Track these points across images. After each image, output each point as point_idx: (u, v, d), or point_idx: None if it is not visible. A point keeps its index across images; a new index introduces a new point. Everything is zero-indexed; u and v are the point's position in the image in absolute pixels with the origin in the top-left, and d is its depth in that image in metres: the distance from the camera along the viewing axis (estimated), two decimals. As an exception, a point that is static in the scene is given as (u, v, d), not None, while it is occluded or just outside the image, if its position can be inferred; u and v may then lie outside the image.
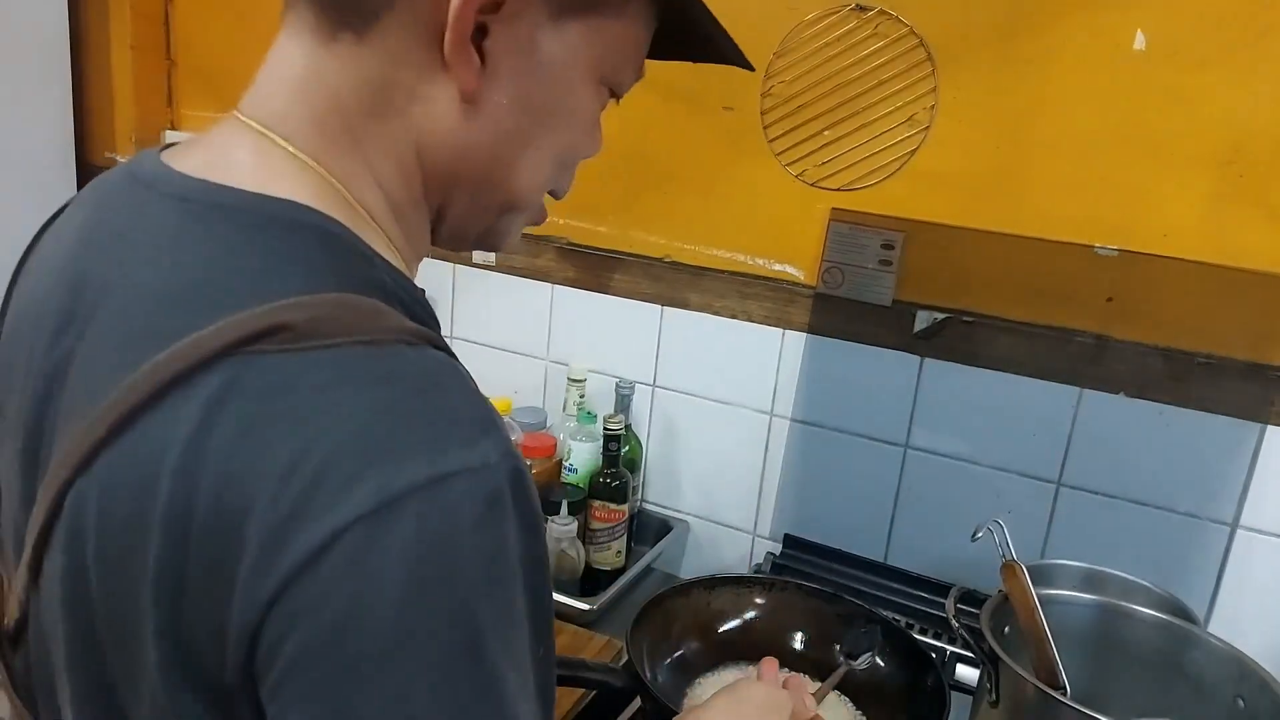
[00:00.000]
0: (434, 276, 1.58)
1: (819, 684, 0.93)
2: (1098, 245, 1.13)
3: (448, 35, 0.43)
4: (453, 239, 0.53)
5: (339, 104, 0.45)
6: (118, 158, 1.75)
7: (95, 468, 0.39)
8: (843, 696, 0.97)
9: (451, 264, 1.56)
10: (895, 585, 1.24)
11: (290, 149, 0.45)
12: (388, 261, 0.46)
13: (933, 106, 1.19)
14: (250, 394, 0.37)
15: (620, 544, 1.31)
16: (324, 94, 0.45)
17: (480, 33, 0.44)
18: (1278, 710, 0.73)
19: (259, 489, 0.36)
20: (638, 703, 1.00)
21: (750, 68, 0.60)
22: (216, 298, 0.40)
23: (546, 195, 0.56)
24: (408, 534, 0.35)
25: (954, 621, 0.83)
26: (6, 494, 0.49)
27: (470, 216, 0.52)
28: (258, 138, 0.45)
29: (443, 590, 0.36)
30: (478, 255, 1.53)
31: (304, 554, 0.35)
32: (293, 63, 0.46)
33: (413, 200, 0.48)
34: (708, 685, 0.98)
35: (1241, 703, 0.78)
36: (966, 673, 1.10)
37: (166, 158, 0.47)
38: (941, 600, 1.00)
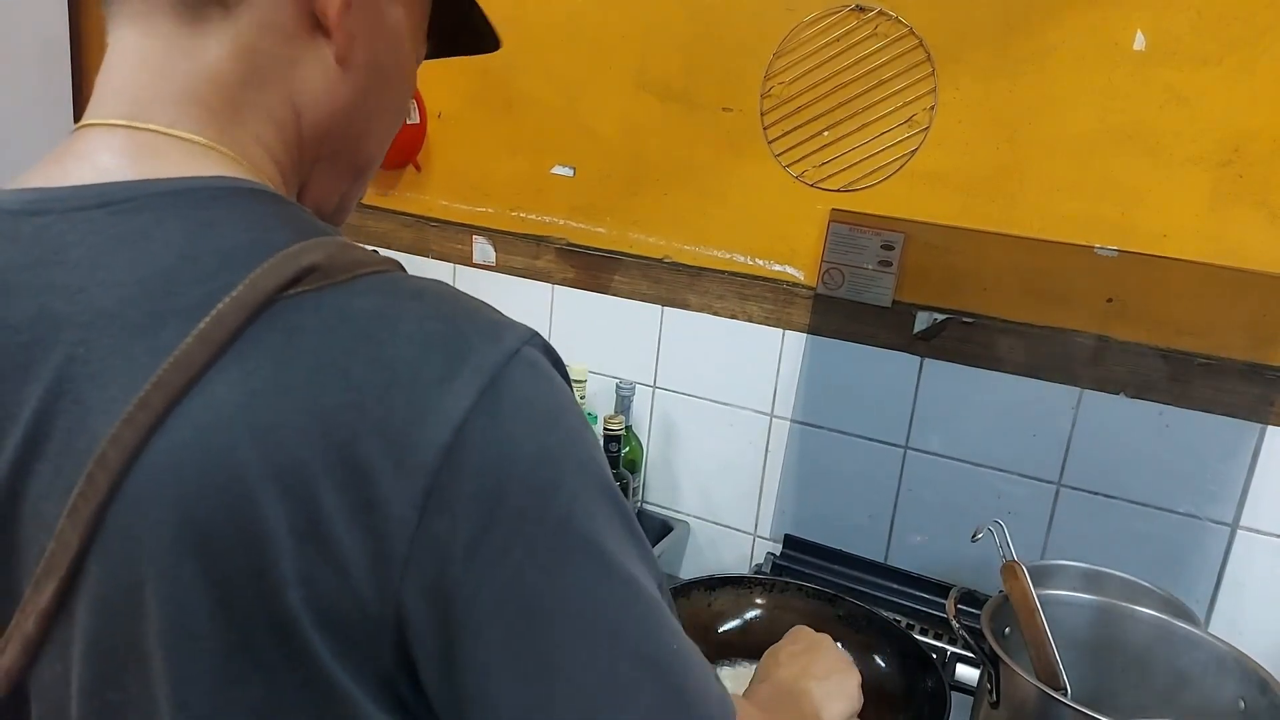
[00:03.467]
0: (434, 276, 1.58)
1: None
2: (1097, 245, 1.13)
3: (333, 4, 0.47)
4: (310, 208, 0.52)
5: (216, 79, 0.46)
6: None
7: (144, 462, 0.38)
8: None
9: (452, 264, 1.56)
10: (895, 586, 1.24)
11: (177, 134, 0.45)
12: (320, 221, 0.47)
13: (932, 107, 1.19)
14: (312, 330, 0.39)
15: (620, 545, 1.31)
16: (196, 73, 0.46)
17: (347, 2, 0.48)
18: (1278, 711, 0.73)
19: (361, 413, 0.37)
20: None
21: (497, 46, 0.68)
22: (218, 266, 0.40)
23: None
24: (516, 404, 0.39)
25: (954, 622, 0.83)
26: None
27: (329, 184, 0.54)
28: (132, 133, 0.45)
29: (566, 437, 0.41)
30: (477, 255, 1.53)
31: (437, 450, 0.37)
32: (147, 53, 0.46)
33: (293, 164, 0.50)
34: (708, 686, 0.98)
35: (1243, 703, 0.77)
36: (967, 673, 1.10)
37: (36, 182, 0.45)
38: (942, 600, 1.00)
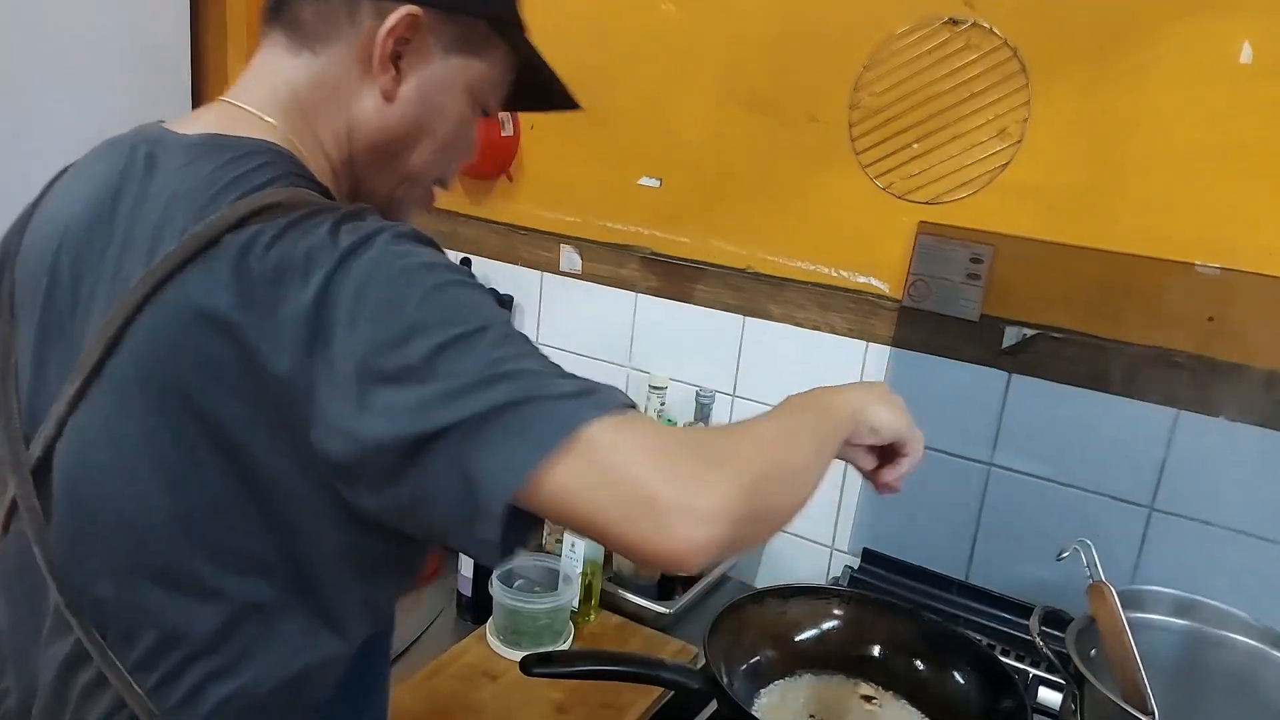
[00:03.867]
0: (523, 283, 1.63)
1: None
2: (1198, 263, 1.09)
3: (376, 55, 0.66)
4: (368, 201, 0.70)
5: (298, 95, 0.67)
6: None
7: (149, 309, 0.57)
8: (911, 705, 0.96)
9: (539, 271, 1.60)
10: (976, 605, 1.22)
11: (265, 118, 0.66)
12: (326, 187, 0.65)
13: (1025, 119, 1.17)
14: (266, 240, 0.56)
15: (696, 551, 1.32)
16: (288, 84, 0.67)
17: (397, 55, 0.67)
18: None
19: (292, 272, 0.54)
20: (713, 706, 1.01)
21: (577, 106, 0.82)
22: (221, 191, 0.59)
23: (437, 187, 0.76)
24: (381, 248, 0.56)
25: (1038, 640, 0.81)
26: (20, 350, 0.66)
27: (378, 185, 0.72)
28: (240, 111, 0.67)
29: (390, 286, 0.55)
30: (564, 263, 1.57)
31: (330, 267, 0.54)
32: (268, 68, 0.68)
33: (343, 162, 0.70)
34: (778, 691, 0.99)
35: (1344, 740, 0.74)
36: (1049, 696, 1.07)
37: (169, 125, 0.67)
38: (1024, 622, 0.98)
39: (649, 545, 0.50)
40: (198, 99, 1.81)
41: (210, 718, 0.60)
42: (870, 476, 0.79)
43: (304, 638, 0.62)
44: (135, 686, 0.60)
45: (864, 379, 1.32)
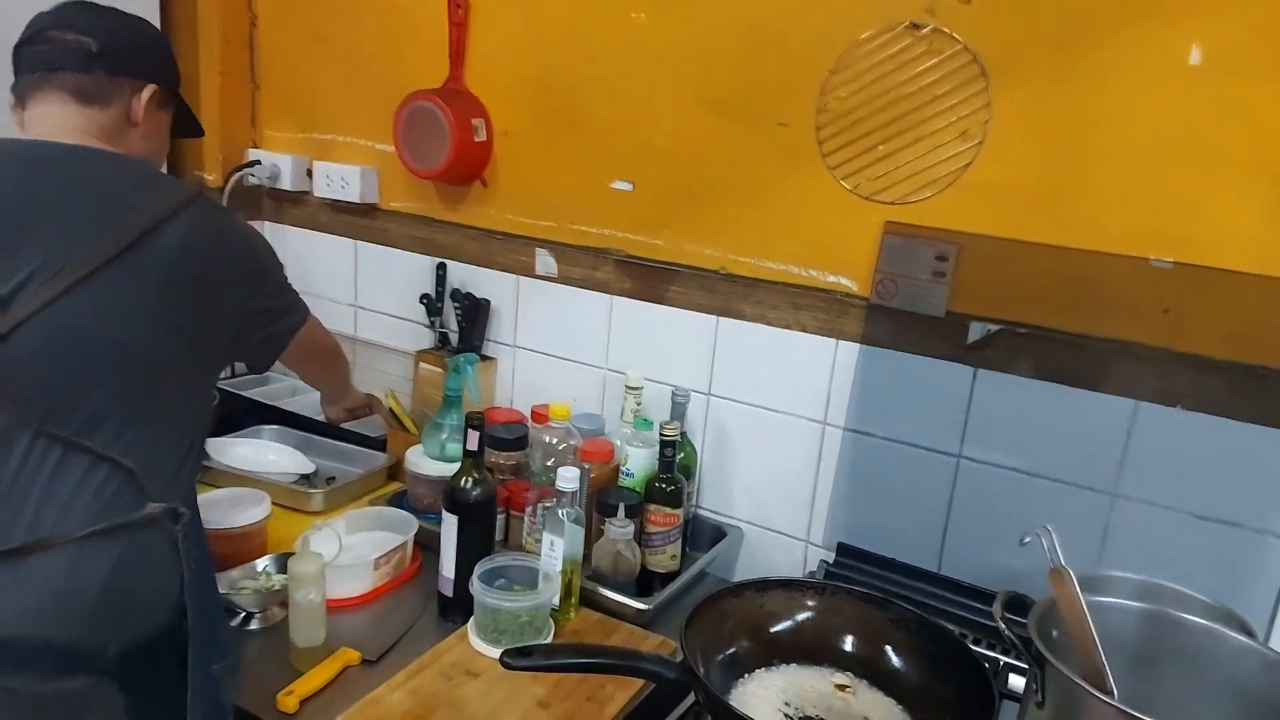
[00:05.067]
0: (499, 287, 1.64)
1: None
2: (1154, 258, 1.13)
3: (139, 112, 1.07)
4: None
5: (103, 132, 1.04)
6: (205, 176, 1.85)
7: (164, 233, 0.95)
8: (889, 698, 0.99)
9: (515, 275, 1.62)
10: (948, 595, 1.25)
11: (98, 144, 1.04)
12: None
13: (986, 121, 1.21)
14: (208, 211, 1.03)
15: (675, 548, 1.35)
16: (93, 127, 1.04)
17: (148, 110, 1.09)
18: (1329, 719, 0.73)
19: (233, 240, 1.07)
20: (690, 699, 1.03)
21: (201, 134, 1.28)
22: (163, 177, 1.11)
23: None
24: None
25: (1001, 624, 0.84)
26: None
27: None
28: (82, 136, 1.04)
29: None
30: (540, 266, 1.59)
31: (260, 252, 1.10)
32: (61, 116, 1.03)
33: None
34: (754, 681, 1.01)
35: (1294, 713, 0.77)
36: (1018, 683, 1.10)
37: (36, 139, 1.03)
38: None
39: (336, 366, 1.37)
40: (171, 108, 1.81)
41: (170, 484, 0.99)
42: None
43: (196, 443, 1.05)
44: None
45: (834, 375, 1.35)
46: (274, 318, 1.11)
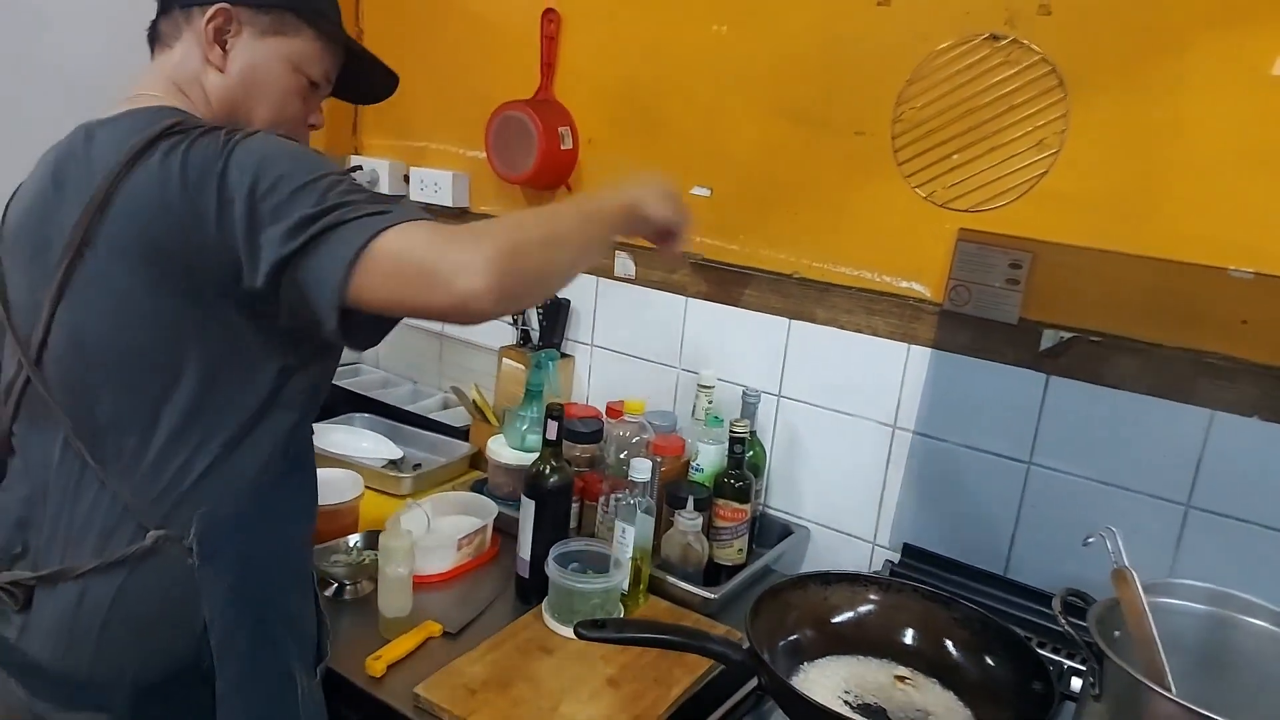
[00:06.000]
0: (578, 288, 1.71)
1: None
2: (1232, 268, 1.13)
3: (203, 41, 0.94)
4: None
5: (172, 77, 0.95)
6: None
7: (115, 196, 0.82)
8: (942, 685, 1.01)
9: (595, 277, 1.69)
10: (1013, 598, 1.26)
11: (158, 96, 0.94)
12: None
13: (1062, 131, 1.22)
14: (184, 144, 0.82)
15: (742, 542, 1.39)
16: (165, 75, 0.95)
17: (222, 40, 0.95)
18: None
19: (205, 163, 0.81)
20: (753, 683, 1.07)
21: (394, 78, 1.12)
22: (142, 129, 0.84)
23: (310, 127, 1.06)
24: (260, 135, 0.84)
25: (1061, 617, 0.86)
26: (13, 286, 0.92)
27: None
28: (144, 95, 0.94)
29: (283, 141, 0.85)
30: (618, 268, 1.65)
31: (228, 150, 0.81)
32: (152, 67, 0.97)
33: (213, 119, 0.95)
34: (818, 670, 1.05)
35: (1359, 720, 0.77)
36: (1080, 686, 1.11)
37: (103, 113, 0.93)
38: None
39: (439, 303, 0.74)
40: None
41: (180, 503, 0.86)
42: (658, 249, 1.04)
43: (241, 444, 0.88)
44: (124, 487, 0.86)
45: (905, 379, 1.37)
46: (299, 223, 0.76)
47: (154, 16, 0.98)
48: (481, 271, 0.73)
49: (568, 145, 1.65)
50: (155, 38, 0.97)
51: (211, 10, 0.93)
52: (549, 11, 1.64)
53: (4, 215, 0.98)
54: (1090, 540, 0.89)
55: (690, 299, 1.58)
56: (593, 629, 0.92)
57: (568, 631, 1.17)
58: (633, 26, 1.57)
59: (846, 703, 1.00)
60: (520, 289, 0.79)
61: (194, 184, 0.79)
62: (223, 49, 0.94)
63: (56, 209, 0.86)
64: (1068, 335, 1.24)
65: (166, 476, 0.86)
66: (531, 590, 1.30)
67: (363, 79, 1.08)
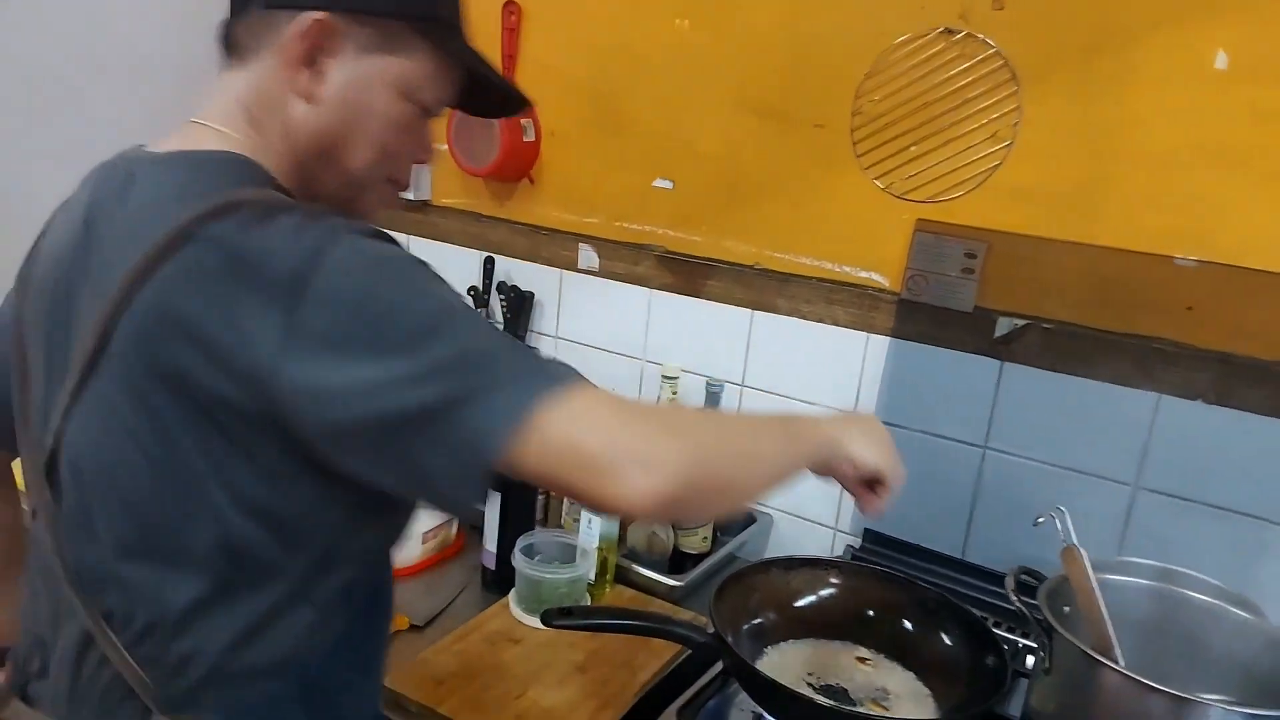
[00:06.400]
0: (543, 280, 1.72)
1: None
2: (1177, 256, 1.16)
3: (291, 60, 0.70)
4: (323, 201, 0.76)
5: (244, 104, 0.73)
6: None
7: (132, 303, 0.62)
8: (902, 666, 1.04)
9: (559, 269, 1.69)
10: (970, 580, 1.29)
11: (223, 130, 0.73)
12: (282, 185, 0.72)
13: (1016, 123, 1.25)
14: (227, 233, 0.62)
15: (706, 530, 1.41)
16: (237, 100, 0.73)
17: (313, 59, 0.71)
18: (1324, 689, 0.77)
19: (261, 268, 0.61)
20: (718, 667, 1.09)
21: (528, 103, 0.84)
22: (191, 198, 0.64)
23: (393, 185, 0.80)
24: (338, 260, 0.61)
25: (1012, 595, 0.89)
26: (33, 366, 0.74)
27: (326, 184, 0.76)
28: (203, 127, 0.73)
29: (364, 281, 0.62)
30: (582, 261, 1.66)
31: (301, 264, 0.60)
32: (220, 87, 0.75)
33: (293, 161, 0.74)
34: (781, 653, 1.07)
35: (1294, 687, 0.81)
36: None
37: (148, 147, 0.74)
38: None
39: (603, 498, 0.59)
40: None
41: (199, 687, 0.68)
42: (857, 500, 0.86)
43: (281, 612, 0.68)
44: (130, 660, 0.68)
45: (865, 367, 1.40)
46: (433, 370, 0.60)
47: (227, 15, 0.75)
48: (667, 476, 0.59)
49: (530, 137, 1.65)
50: (228, 45, 0.75)
51: (304, 21, 0.69)
52: (510, 4, 1.64)
53: (25, 271, 0.79)
54: (1041, 520, 0.92)
55: (654, 290, 1.59)
56: (560, 616, 0.93)
57: (535, 622, 1.18)
58: (594, 19, 1.58)
59: (809, 684, 1.02)
60: (696, 504, 0.64)
61: (248, 304, 0.59)
62: (315, 72, 0.71)
63: (81, 279, 0.69)
64: (1021, 323, 1.27)
65: (183, 653, 0.67)
66: (498, 582, 1.31)
67: (478, 96, 0.82)
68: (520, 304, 1.73)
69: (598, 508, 0.61)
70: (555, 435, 0.59)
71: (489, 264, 1.77)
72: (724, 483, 0.66)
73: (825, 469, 0.79)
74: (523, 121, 1.64)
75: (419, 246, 1.89)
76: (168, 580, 0.66)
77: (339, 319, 0.59)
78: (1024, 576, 0.95)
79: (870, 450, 0.80)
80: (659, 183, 1.56)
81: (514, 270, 1.75)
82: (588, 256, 1.66)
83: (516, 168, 1.68)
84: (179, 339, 0.61)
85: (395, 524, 0.77)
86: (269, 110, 0.72)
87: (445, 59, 0.75)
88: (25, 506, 0.79)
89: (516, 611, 1.25)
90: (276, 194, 0.66)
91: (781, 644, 1.08)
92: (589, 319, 1.68)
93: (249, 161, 0.70)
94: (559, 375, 0.61)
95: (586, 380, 0.62)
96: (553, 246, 1.70)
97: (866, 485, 0.83)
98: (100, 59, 1.63)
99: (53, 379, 0.70)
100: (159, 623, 0.67)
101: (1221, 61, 1.12)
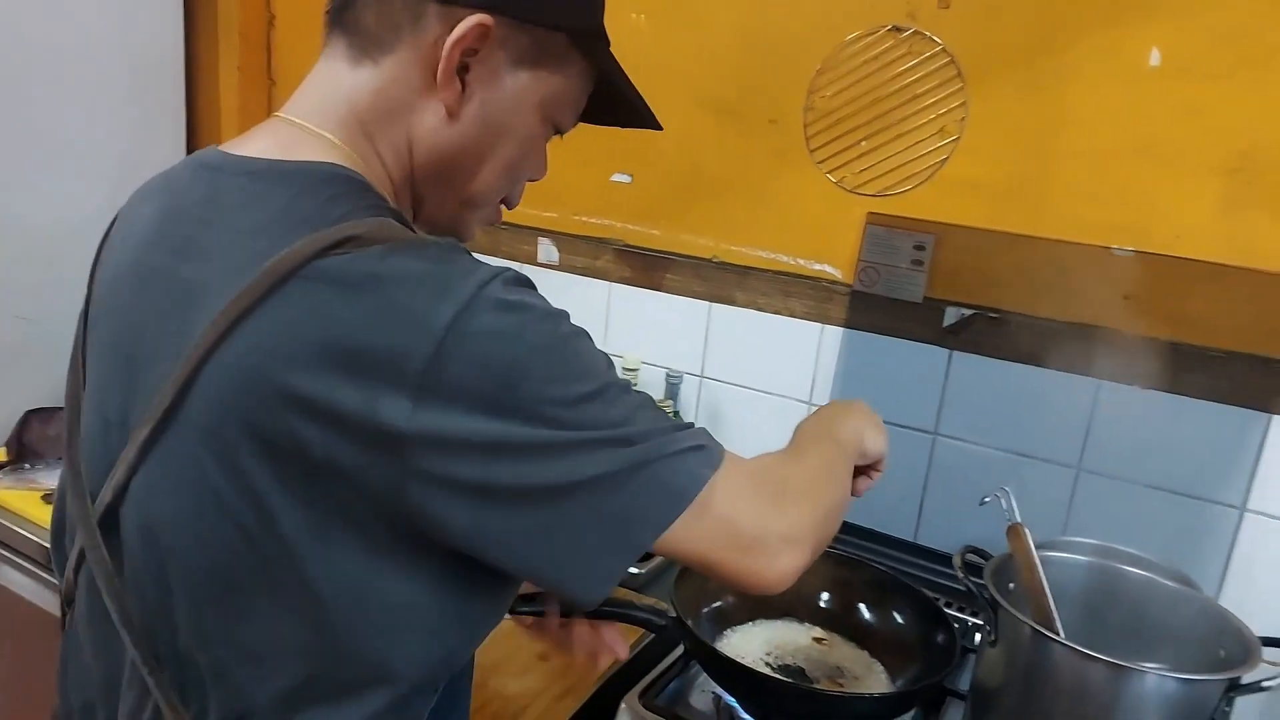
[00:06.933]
0: (503, 275, 1.72)
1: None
2: (1115, 247, 1.21)
3: (440, 67, 0.61)
4: (426, 222, 0.70)
5: (358, 109, 0.63)
6: (223, 167, 1.94)
7: (222, 351, 0.54)
8: (858, 645, 1.07)
9: (519, 263, 1.70)
10: (923, 562, 1.34)
11: (327, 135, 0.63)
12: (394, 208, 0.61)
13: (962, 119, 1.29)
14: (343, 276, 0.53)
15: (668, 519, 1.43)
16: (349, 102, 0.63)
17: (463, 68, 0.63)
18: (1247, 653, 0.81)
19: (376, 322, 0.52)
20: (677, 653, 1.11)
21: (658, 127, 0.79)
22: (295, 226, 0.55)
23: (501, 204, 0.74)
24: (484, 321, 0.53)
25: (960, 573, 0.92)
26: (87, 406, 0.65)
27: (438, 206, 0.69)
28: (300, 129, 0.63)
29: (516, 344, 0.54)
30: (542, 255, 1.68)
31: (441, 322, 0.51)
32: (327, 79, 0.65)
33: (404, 181, 0.67)
34: (740, 634, 1.09)
35: (1223, 653, 0.86)
36: (985, 640, 1.18)
37: (226, 149, 0.64)
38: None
39: (754, 576, 0.60)
40: (191, 106, 1.90)
41: None
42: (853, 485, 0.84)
43: (366, 705, 0.59)
44: None
45: (820, 358, 1.43)
46: (593, 444, 0.55)
47: None
48: (805, 548, 0.61)
49: (489, 133, 1.66)
50: (347, 28, 0.64)
51: (467, 21, 0.60)
52: (468, -1, 1.65)
53: (93, 269, 0.70)
54: (986, 500, 0.96)
55: (613, 284, 1.61)
56: (522, 603, 0.94)
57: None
58: (552, 15, 1.59)
59: (767, 664, 1.05)
60: (812, 561, 0.65)
61: (358, 347, 0.51)
62: (462, 83, 0.63)
63: (149, 316, 0.60)
64: (968, 312, 1.32)
65: None
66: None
67: (602, 108, 0.77)
68: (480, 298, 1.73)
69: (739, 585, 0.60)
70: (710, 516, 0.57)
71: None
72: (831, 534, 0.68)
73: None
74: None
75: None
76: (250, 667, 0.58)
77: (489, 384, 0.52)
78: (972, 556, 0.98)
79: (879, 441, 0.82)
80: (617, 177, 1.58)
81: (474, 265, 1.76)
82: (547, 251, 1.68)
83: (475, 163, 1.68)
84: (279, 401, 0.52)
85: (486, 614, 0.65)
86: (392, 119, 0.63)
87: (592, 75, 0.70)
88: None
89: (480, 602, 1.26)
90: (393, 225, 0.56)
91: (740, 626, 1.11)
92: (549, 313, 1.70)
93: (360, 181, 0.60)
94: (711, 456, 0.58)
95: (722, 449, 0.60)
96: (512, 241, 1.71)
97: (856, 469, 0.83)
98: (38, 47, 1.60)
99: (110, 423, 0.61)
100: (240, 711, 0.59)
101: (1155, 60, 1.17)
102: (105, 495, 0.61)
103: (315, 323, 0.52)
